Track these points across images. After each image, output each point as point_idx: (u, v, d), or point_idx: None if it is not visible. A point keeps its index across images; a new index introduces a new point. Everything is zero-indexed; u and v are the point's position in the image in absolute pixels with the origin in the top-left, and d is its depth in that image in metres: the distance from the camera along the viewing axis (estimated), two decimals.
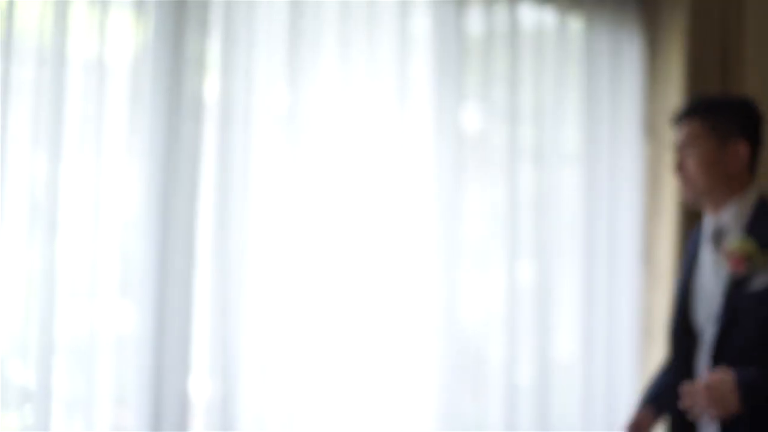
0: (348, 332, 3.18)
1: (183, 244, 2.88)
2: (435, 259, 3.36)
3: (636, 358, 3.89)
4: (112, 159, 2.77)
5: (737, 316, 2.67)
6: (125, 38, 2.80)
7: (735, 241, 2.70)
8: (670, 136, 3.73)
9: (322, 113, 3.16)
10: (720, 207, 2.79)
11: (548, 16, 3.67)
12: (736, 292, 2.68)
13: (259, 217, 3.03)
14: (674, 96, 3.80)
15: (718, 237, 2.78)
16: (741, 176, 2.78)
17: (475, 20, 3.50)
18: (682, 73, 3.76)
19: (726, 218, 2.78)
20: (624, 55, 3.84)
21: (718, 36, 3.83)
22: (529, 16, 3.62)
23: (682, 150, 2.83)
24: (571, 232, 3.67)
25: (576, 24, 3.74)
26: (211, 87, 2.97)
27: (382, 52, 3.30)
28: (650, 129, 3.90)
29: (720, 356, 2.67)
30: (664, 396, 2.84)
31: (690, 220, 3.75)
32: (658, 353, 3.56)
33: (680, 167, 2.84)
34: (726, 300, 2.69)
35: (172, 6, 2.86)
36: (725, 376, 2.52)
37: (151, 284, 2.82)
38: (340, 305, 3.17)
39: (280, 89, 3.10)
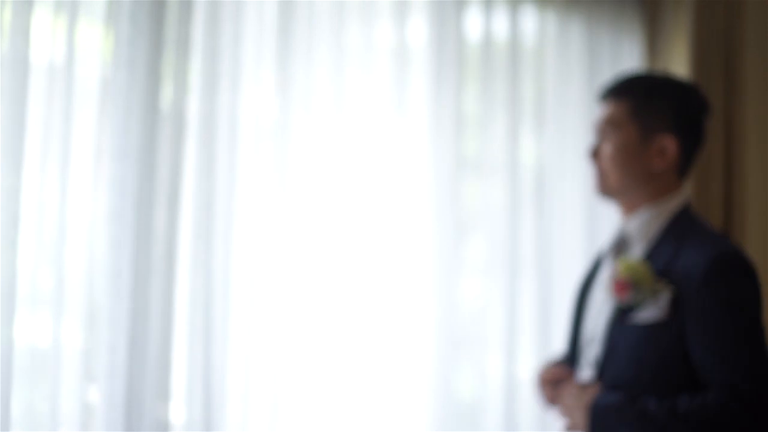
0: (335, 359, 2.98)
1: (162, 261, 2.68)
2: (430, 276, 3.16)
3: None
4: (81, 174, 2.58)
5: (615, 351, 2.31)
6: (95, 49, 2.61)
7: (625, 263, 2.30)
8: None
9: (313, 126, 2.97)
10: (632, 211, 2.40)
11: (549, 22, 3.49)
12: (619, 321, 2.31)
13: (244, 234, 2.84)
14: None
15: (620, 248, 2.41)
16: (664, 178, 2.38)
17: (474, 25, 3.32)
18: (686, 77, 3.56)
19: (633, 226, 2.39)
20: (625, 60, 3.65)
21: (723, 40, 3.65)
22: (529, 21, 3.45)
23: (600, 134, 2.45)
24: (572, 244, 3.46)
25: (576, 29, 3.56)
26: (192, 100, 2.77)
27: (378, 60, 3.11)
28: None
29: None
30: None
31: None
32: None
33: (595, 154, 2.45)
34: (608, 330, 2.33)
35: (149, 15, 2.67)
36: (584, 393, 2.29)
37: (126, 303, 2.61)
38: (327, 330, 2.97)
39: (268, 100, 2.90)
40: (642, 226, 2.37)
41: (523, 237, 3.36)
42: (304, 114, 2.94)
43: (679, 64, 3.58)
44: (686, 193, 2.43)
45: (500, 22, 3.36)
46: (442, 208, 3.17)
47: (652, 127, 2.37)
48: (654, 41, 3.68)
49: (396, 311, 3.09)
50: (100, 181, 2.61)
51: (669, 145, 2.37)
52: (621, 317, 2.31)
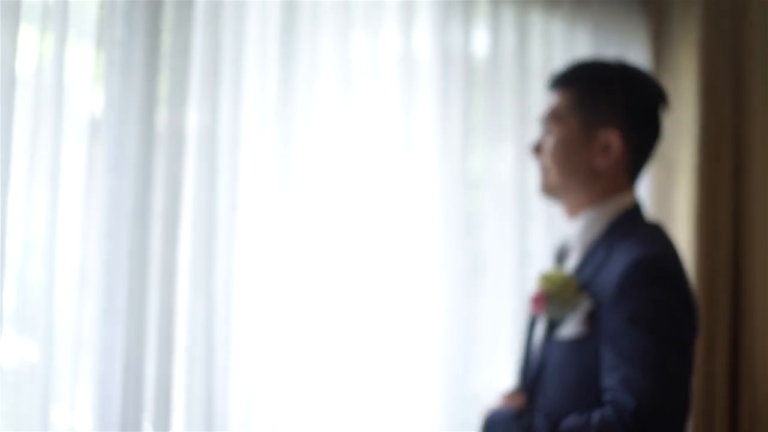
0: (344, 385, 2.83)
1: (159, 283, 2.50)
2: (439, 294, 3.02)
3: None
4: (73, 190, 2.40)
5: (544, 370, 2.12)
6: (86, 59, 2.44)
7: (543, 273, 2.12)
8: (684, 157, 3.49)
9: (317, 138, 2.81)
10: (575, 214, 2.18)
11: (555, 32, 3.36)
12: (548, 339, 2.13)
13: (246, 253, 2.67)
14: (687, 111, 3.49)
15: (562, 256, 2.23)
16: (609, 177, 2.14)
17: (481, 36, 3.19)
18: (694, 88, 3.44)
19: (574, 231, 2.18)
20: None
21: (731, 48, 3.52)
22: (536, 29, 3.31)
23: (544, 127, 2.22)
24: None
25: (583, 39, 3.44)
26: (191, 113, 2.58)
27: (384, 71, 2.96)
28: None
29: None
30: None
31: (710, 257, 3.44)
32: None
33: (538, 148, 2.24)
34: (540, 348, 2.15)
35: (144, 23, 2.48)
36: (490, 408, 2.15)
37: (120, 328, 2.44)
38: (335, 356, 2.82)
39: (270, 112, 2.73)
40: (582, 230, 2.15)
41: (532, 249, 3.24)
42: (307, 126, 2.79)
43: (687, 72, 3.47)
44: (635, 194, 2.19)
45: (507, 34, 3.23)
46: (449, 222, 3.03)
47: (596, 121, 2.14)
48: (661, 49, 3.55)
49: (404, 326, 2.94)
50: (92, 198, 2.44)
51: (613, 139, 2.13)
52: (550, 334, 2.13)
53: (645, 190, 3.56)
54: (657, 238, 2.11)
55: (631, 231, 2.09)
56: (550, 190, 2.23)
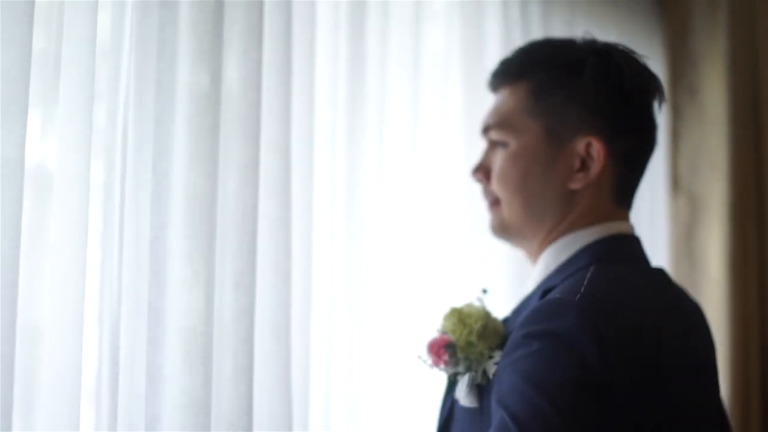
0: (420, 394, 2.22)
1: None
2: None
3: None
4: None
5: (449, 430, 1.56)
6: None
7: (458, 308, 1.53)
8: (713, 192, 2.99)
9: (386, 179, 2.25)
10: (538, 253, 1.57)
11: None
12: (449, 399, 1.56)
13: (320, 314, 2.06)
14: (714, 138, 2.97)
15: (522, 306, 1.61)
16: (590, 201, 1.53)
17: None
18: (722, 111, 2.93)
19: (533, 276, 1.58)
20: None
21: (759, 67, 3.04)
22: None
23: (487, 136, 1.61)
24: None
25: None
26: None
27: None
28: (678, 182, 3.03)
29: None
30: None
31: (743, 306, 2.95)
32: None
33: (480, 170, 1.62)
34: (444, 401, 1.59)
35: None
36: None
37: None
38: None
39: (339, 150, 2.13)
40: (538, 273, 1.54)
41: None
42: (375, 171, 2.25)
43: (711, 93, 2.97)
44: (626, 221, 1.57)
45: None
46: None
47: (567, 124, 1.52)
48: (677, 65, 3.02)
49: None
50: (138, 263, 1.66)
51: (596, 150, 1.51)
52: (449, 395, 1.55)
53: (665, 230, 3.03)
54: (616, 279, 1.44)
55: (588, 265, 1.45)
56: (503, 228, 1.59)
